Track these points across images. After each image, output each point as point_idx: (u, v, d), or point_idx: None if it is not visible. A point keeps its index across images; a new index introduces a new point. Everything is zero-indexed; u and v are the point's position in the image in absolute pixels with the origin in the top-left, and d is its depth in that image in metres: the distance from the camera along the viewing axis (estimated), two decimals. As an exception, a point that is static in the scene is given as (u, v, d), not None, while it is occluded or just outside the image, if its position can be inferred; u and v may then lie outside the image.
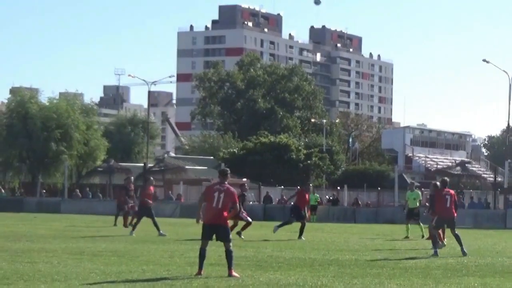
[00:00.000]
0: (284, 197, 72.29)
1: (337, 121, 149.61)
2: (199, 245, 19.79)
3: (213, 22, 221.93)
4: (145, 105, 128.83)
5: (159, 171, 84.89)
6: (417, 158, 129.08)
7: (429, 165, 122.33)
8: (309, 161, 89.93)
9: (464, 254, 26.82)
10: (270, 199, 69.84)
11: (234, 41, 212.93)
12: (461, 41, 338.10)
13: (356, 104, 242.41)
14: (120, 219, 41.85)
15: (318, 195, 67.32)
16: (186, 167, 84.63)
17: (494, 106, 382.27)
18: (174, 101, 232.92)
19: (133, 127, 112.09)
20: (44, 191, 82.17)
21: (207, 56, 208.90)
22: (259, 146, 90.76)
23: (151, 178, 42.50)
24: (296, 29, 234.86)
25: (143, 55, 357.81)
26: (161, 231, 35.96)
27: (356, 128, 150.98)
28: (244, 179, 72.17)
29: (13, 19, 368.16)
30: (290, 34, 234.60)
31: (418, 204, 38.34)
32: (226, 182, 20.08)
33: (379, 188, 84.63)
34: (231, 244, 19.63)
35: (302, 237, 35.36)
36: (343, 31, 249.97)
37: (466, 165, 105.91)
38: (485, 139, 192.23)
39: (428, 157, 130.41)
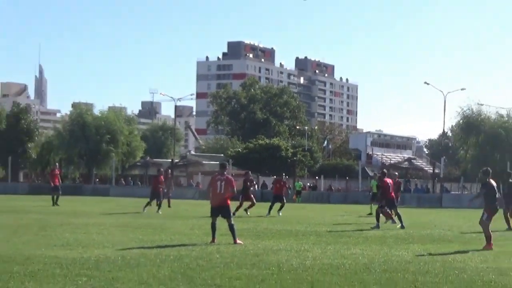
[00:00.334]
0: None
1: (316, 128, 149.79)
2: (210, 220, 19.87)
3: (223, 54, 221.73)
4: (172, 116, 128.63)
5: (183, 165, 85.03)
6: (375, 155, 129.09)
7: (384, 161, 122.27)
8: (295, 158, 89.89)
9: (402, 227, 26.76)
10: (266, 186, 69.82)
11: (239, 68, 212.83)
12: (407, 67, 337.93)
13: (330, 115, 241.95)
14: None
15: (301, 183, 67.30)
16: (203, 162, 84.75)
17: (433, 117, 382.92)
18: (194, 113, 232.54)
19: (163, 132, 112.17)
20: (97, 180, 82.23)
21: (219, 79, 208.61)
22: (258, 147, 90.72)
23: (161, 169, 41.12)
24: (285, 59, 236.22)
25: (171, 78, 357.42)
26: (144, 210, 35.06)
27: (330, 133, 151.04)
28: (246, 171, 71.93)
29: (71, 51, 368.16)
30: (280, 63, 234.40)
31: None
32: (225, 173, 20.13)
33: (347, 178, 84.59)
34: (232, 219, 19.66)
35: (280, 213, 34.82)
36: (320, 60, 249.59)
37: (412, 160, 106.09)
38: (426, 141, 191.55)
39: (384, 155, 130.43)
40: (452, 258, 16.78)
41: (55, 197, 41.02)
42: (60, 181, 43.38)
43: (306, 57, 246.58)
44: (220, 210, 19.60)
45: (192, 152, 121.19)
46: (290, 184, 58.39)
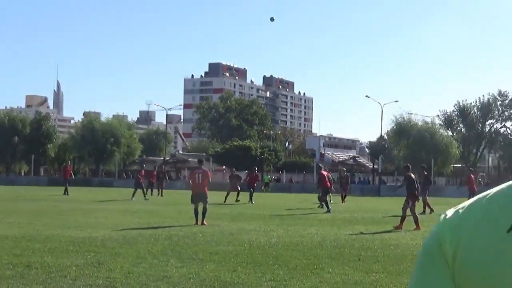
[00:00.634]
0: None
1: (279, 132, 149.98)
2: (193, 206, 19.81)
3: (205, 72, 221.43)
4: (164, 122, 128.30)
5: (173, 162, 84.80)
6: (327, 154, 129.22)
7: (334, 159, 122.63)
8: (262, 156, 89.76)
9: (328, 212, 26.60)
10: (240, 178, 69.61)
11: (218, 84, 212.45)
12: (353, 83, 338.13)
13: (291, 122, 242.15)
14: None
15: (269, 176, 67.48)
16: (189, 159, 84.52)
17: (373, 123, 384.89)
18: (182, 120, 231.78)
19: (157, 135, 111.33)
20: (103, 174, 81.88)
21: (202, 93, 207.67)
22: (233, 147, 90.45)
23: (144, 165, 40.92)
24: (255, 77, 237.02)
25: (164, 92, 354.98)
26: (132, 198, 34.90)
27: (291, 136, 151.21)
28: (224, 167, 72.04)
29: (83, 69, 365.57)
30: (251, 80, 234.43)
31: None
32: (202, 167, 20.24)
33: (304, 172, 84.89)
34: (207, 205, 19.65)
35: (253, 201, 34.32)
36: (283, 78, 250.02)
37: (356, 158, 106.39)
38: (367, 143, 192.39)
39: (334, 154, 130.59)
40: (388, 236, 16.86)
41: (65, 187, 41.04)
42: (73, 175, 43.11)
43: (271, 75, 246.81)
44: (199, 196, 19.61)
45: (180, 152, 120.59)
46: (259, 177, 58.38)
